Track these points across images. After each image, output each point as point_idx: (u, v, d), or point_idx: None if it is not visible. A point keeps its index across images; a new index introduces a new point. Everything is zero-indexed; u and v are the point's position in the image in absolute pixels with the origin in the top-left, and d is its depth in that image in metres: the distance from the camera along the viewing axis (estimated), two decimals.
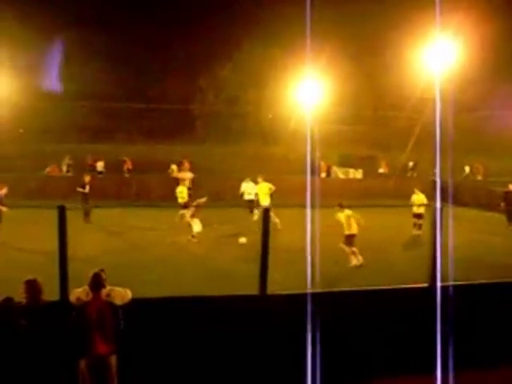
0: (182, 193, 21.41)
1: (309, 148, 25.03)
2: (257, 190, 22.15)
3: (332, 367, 7.99)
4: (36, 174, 29.35)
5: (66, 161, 32.34)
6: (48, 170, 31.06)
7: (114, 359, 7.01)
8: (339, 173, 36.31)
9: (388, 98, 45.05)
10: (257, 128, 43.97)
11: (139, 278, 12.10)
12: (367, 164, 36.81)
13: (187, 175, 27.16)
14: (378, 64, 43.43)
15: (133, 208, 21.45)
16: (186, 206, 19.49)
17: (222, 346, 8.15)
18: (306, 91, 34.59)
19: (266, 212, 8.65)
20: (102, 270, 7.24)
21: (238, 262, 15.00)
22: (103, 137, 42.59)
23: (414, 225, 20.19)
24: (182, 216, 19.70)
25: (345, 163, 37.80)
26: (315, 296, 8.32)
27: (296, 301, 8.38)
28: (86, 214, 20.67)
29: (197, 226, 18.07)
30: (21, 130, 42.08)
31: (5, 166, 28.86)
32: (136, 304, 7.26)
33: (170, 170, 31.20)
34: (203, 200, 18.64)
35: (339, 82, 38.91)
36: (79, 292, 7.12)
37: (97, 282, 7.01)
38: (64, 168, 31.92)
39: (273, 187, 21.62)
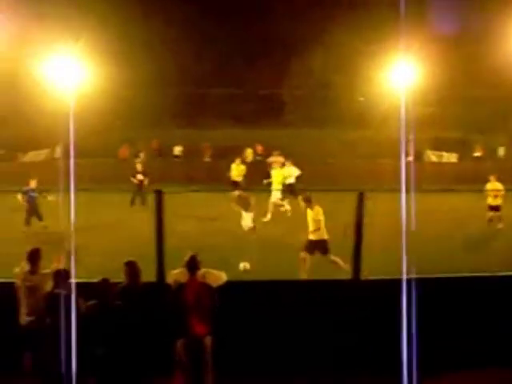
0: (277, 177, 21.19)
1: (402, 131, 24.36)
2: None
3: (426, 355, 7.80)
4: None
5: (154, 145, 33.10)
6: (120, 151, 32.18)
7: (209, 340, 7.14)
8: (433, 156, 35.36)
9: (484, 79, 43.26)
10: (347, 112, 43.34)
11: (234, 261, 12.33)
12: (462, 147, 35.68)
13: (279, 159, 27.25)
14: (475, 45, 41.75)
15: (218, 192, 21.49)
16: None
17: (315, 330, 8.14)
18: (399, 73, 33.79)
19: (360, 196, 8.45)
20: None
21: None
22: (192, 122, 43.21)
23: (490, 220, 17.72)
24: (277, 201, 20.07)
25: (439, 147, 36.75)
26: (411, 282, 8.13)
27: (390, 286, 8.25)
28: (142, 202, 20.61)
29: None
30: (117, 122, 43.37)
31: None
32: (231, 286, 7.37)
33: (246, 154, 31.35)
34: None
35: (433, 63, 37.71)
36: (176, 274, 7.29)
37: (193, 264, 7.14)
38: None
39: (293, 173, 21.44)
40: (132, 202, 20.82)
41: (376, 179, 22.43)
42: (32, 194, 17.07)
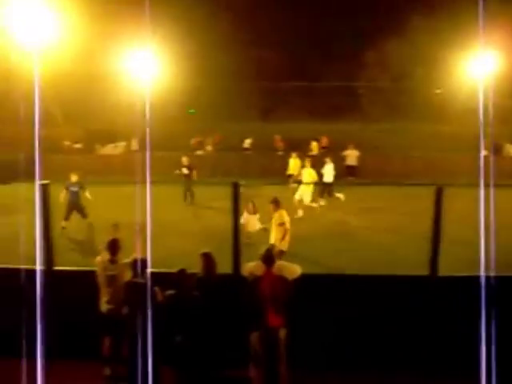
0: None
1: (481, 124, 23.57)
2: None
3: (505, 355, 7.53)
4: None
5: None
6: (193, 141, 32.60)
7: (283, 332, 7.13)
8: None
9: None
10: (424, 104, 42.41)
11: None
12: None
13: (354, 152, 27.00)
14: None
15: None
16: None
17: (389, 326, 8.01)
18: (478, 64, 32.76)
19: (438, 191, 8.24)
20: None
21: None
22: (267, 115, 43.36)
23: None
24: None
25: None
26: (490, 279, 7.87)
27: (468, 284, 8.02)
28: (191, 196, 20.66)
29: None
30: (191, 111, 43.89)
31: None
32: (305, 279, 7.34)
33: (311, 147, 31.15)
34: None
35: None
36: (252, 266, 7.32)
37: (270, 257, 7.16)
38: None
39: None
40: (185, 198, 20.66)
41: (454, 173, 21.78)
42: (73, 189, 16.54)
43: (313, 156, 30.11)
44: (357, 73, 45.20)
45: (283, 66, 45.55)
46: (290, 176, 23.18)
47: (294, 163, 23.61)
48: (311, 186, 18.65)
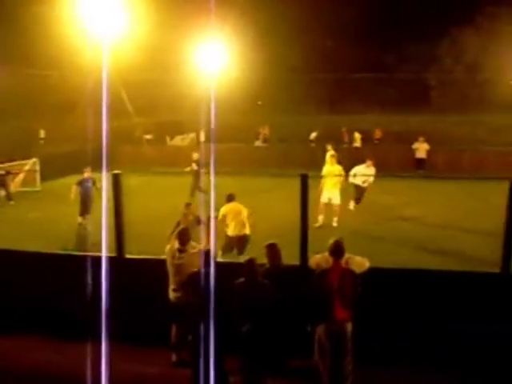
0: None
1: None
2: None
3: None
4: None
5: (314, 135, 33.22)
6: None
7: (350, 326, 7.07)
8: None
9: None
10: (497, 96, 41.14)
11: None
12: None
13: (424, 146, 26.49)
14: None
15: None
16: None
17: (456, 323, 7.84)
18: None
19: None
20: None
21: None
22: (338, 108, 43.06)
23: None
24: None
25: None
26: None
27: None
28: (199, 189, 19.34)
29: None
30: (259, 103, 44.14)
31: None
32: (374, 273, 7.26)
33: (354, 138, 30.71)
34: None
35: None
36: (319, 258, 7.28)
37: (338, 249, 7.10)
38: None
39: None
40: (192, 194, 19.34)
41: None
42: (87, 185, 16.53)
43: (356, 148, 29.88)
44: (428, 63, 44.31)
45: (352, 57, 45.08)
46: None
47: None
48: (337, 185, 16.26)
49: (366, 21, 44.96)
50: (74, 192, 16.57)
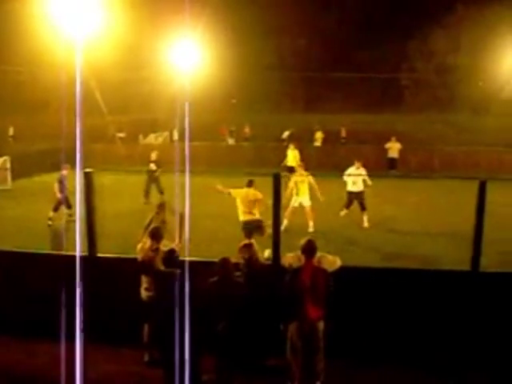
0: None
1: None
2: None
3: None
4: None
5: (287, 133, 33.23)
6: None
7: (321, 325, 7.12)
8: None
9: None
10: (467, 96, 41.70)
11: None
12: None
13: (396, 145, 26.73)
14: None
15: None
16: None
17: (426, 322, 7.94)
18: None
19: (482, 185, 8.08)
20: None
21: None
22: (313, 107, 43.21)
23: None
24: None
25: None
26: None
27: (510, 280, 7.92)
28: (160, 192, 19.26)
29: None
30: (233, 101, 44.11)
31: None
32: (345, 272, 7.33)
33: (315, 137, 31.08)
34: None
35: None
36: (291, 257, 7.33)
37: (310, 248, 7.13)
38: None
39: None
40: (146, 195, 19.36)
41: (496, 168, 21.41)
42: (65, 182, 16.51)
43: (318, 147, 30.16)
44: (400, 64, 44.71)
45: (326, 56, 45.30)
46: (291, 168, 21.47)
47: (291, 154, 22.96)
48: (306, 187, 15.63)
49: (340, 21, 45.26)
50: (56, 189, 16.54)
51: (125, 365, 8.02)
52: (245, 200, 12.69)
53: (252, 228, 12.39)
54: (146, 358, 8.07)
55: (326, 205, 15.63)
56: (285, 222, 14.81)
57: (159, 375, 7.36)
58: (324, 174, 17.64)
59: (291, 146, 23.39)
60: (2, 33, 32.27)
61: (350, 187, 16.36)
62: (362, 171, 16.39)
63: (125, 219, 15.65)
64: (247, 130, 34.50)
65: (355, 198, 16.27)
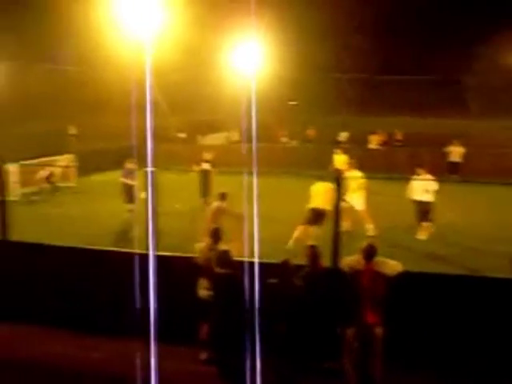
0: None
1: None
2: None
3: None
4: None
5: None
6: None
7: (380, 330, 7.04)
8: None
9: None
10: None
11: None
12: None
13: (458, 149, 26.04)
14: None
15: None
16: None
17: (489, 332, 7.73)
18: None
19: None
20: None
21: None
22: (369, 109, 42.73)
23: None
24: None
25: None
26: None
27: None
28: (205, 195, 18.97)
29: None
30: (293, 102, 44.05)
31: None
32: (407, 277, 7.21)
33: (369, 140, 30.62)
34: None
35: None
36: (350, 260, 7.28)
37: (370, 252, 7.08)
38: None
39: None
40: (203, 194, 19.04)
41: None
42: (132, 176, 16.80)
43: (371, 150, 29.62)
44: (462, 66, 43.65)
45: (384, 58, 44.70)
46: (339, 171, 20.99)
47: (339, 159, 21.97)
48: (361, 191, 15.11)
49: (401, 22, 44.57)
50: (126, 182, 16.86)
51: (181, 363, 8.09)
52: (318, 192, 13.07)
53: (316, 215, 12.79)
54: (203, 356, 8.13)
55: (383, 208, 15.37)
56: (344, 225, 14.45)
57: (215, 374, 7.40)
58: (377, 177, 17.36)
59: (338, 151, 23.02)
60: (65, 33, 33.15)
61: (420, 196, 14.93)
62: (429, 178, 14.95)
63: (182, 218, 15.81)
64: (310, 131, 34.45)
65: (423, 208, 14.96)
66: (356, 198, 14.98)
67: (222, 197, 12.01)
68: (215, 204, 12.06)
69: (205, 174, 19.62)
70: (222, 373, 7.58)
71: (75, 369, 8.02)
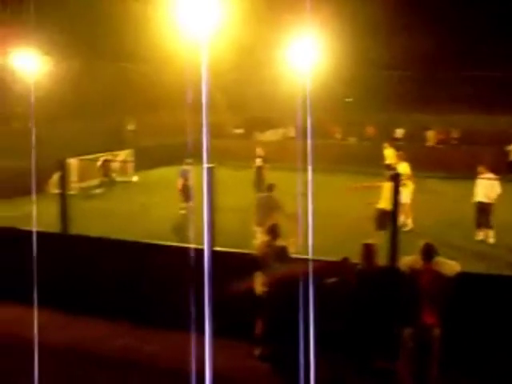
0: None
1: None
2: None
3: None
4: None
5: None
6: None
7: (438, 332, 6.92)
8: None
9: None
10: None
11: None
12: None
13: None
14: None
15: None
16: None
17: None
18: None
19: None
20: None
21: None
22: (425, 106, 41.91)
23: None
24: None
25: None
26: None
27: None
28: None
29: None
30: (348, 99, 43.70)
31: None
32: (464, 278, 7.06)
33: (427, 137, 29.90)
34: None
35: None
36: (409, 260, 7.17)
37: (430, 252, 6.96)
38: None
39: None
40: (257, 190, 18.74)
41: None
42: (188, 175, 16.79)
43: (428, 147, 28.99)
44: None
45: (439, 54, 43.76)
46: (389, 166, 20.07)
47: (388, 153, 21.76)
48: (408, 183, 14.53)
49: (460, 17, 43.55)
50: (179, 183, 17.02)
51: (236, 358, 8.13)
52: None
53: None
54: (258, 352, 8.15)
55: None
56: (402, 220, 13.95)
57: (269, 370, 7.42)
58: (431, 176, 17.06)
59: (386, 145, 22.66)
60: (125, 32, 33.73)
61: (481, 197, 14.08)
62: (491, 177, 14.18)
63: (237, 214, 15.89)
64: (369, 129, 34.20)
65: (484, 210, 14.16)
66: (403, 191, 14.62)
67: (269, 188, 12.44)
68: (261, 195, 12.54)
69: (258, 170, 19.77)
70: (276, 369, 7.59)
71: (131, 361, 8.18)
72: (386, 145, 22.61)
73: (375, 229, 12.71)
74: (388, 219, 12.31)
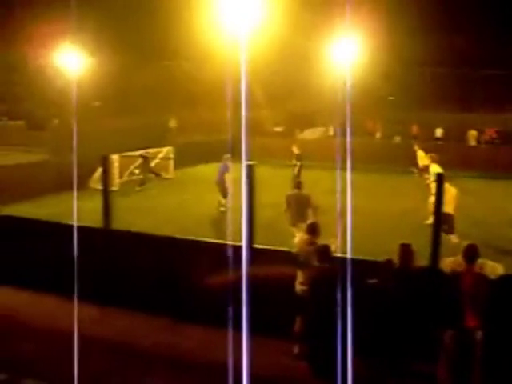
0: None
1: None
2: None
3: None
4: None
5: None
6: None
7: (480, 335, 6.78)
8: None
9: None
10: None
11: None
12: None
13: None
14: None
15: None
16: None
17: None
18: None
19: None
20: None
21: None
22: (466, 105, 41.28)
23: None
24: None
25: None
26: None
27: None
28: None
29: None
30: (390, 98, 43.30)
31: None
32: (509, 280, 6.90)
33: (467, 137, 29.16)
34: None
35: None
36: (451, 261, 7.05)
37: (472, 253, 6.84)
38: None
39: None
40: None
41: None
42: (223, 170, 17.23)
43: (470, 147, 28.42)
44: None
45: (483, 53, 42.93)
46: (423, 168, 20.38)
47: (420, 155, 21.57)
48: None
49: (498, 14, 42.66)
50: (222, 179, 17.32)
51: (273, 356, 8.11)
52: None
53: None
54: (296, 350, 8.13)
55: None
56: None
57: (307, 368, 7.39)
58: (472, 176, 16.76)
59: (417, 147, 22.42)
60: (165, 29, 34.02)
61: None
62: None
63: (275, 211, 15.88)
64: (414, 127, 33.89)
65: None
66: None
67: (298, 185, 12.81)
68: (291, 193, 12.75)
69: (297, 168, 19.85)
70: (314, 368, 7.54)
71: (169, 356, 8.23)
72: (416, 147, 22.42)
73: (445, 233, 12.43)
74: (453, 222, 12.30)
